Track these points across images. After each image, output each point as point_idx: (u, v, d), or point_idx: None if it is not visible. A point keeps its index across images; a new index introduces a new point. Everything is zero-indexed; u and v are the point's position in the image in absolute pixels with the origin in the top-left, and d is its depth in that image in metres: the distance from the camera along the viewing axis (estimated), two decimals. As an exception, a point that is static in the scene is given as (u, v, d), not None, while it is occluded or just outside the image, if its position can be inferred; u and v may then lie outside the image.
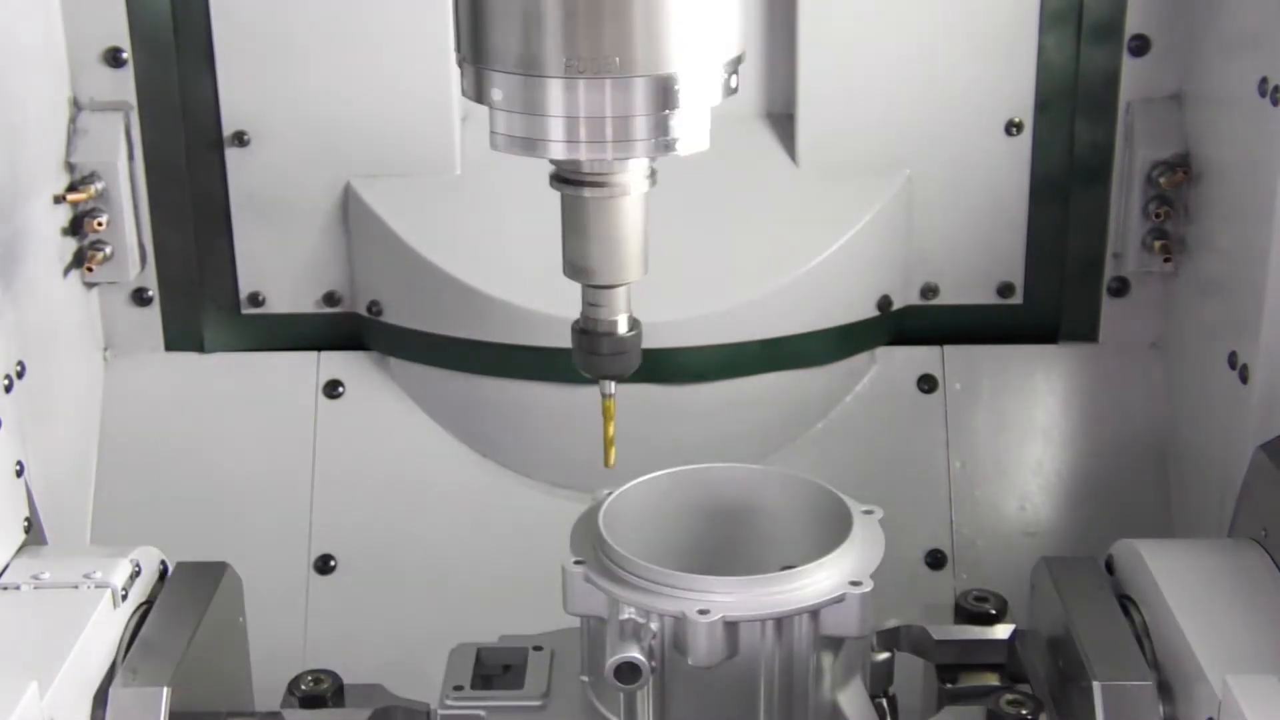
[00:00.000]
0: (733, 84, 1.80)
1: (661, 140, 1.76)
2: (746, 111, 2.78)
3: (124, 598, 2.04)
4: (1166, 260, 2.66)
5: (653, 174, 1.86)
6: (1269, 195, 2.23)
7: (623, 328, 1.94)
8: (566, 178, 1.85)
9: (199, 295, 2.80)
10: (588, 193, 1.84)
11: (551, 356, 2.64)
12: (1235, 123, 2.41)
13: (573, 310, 2.61)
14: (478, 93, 1.78)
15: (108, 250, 2.67)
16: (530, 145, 1.77)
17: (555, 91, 1.72)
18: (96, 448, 2.76)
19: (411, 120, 2.70)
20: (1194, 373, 2.61)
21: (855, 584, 1.92)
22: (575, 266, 1.91)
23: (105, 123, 2.66)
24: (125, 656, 2.00)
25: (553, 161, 1.83)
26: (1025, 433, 2.79)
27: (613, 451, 2.03)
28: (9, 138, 2.39)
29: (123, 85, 2.66)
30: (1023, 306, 2.80)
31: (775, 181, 2.73)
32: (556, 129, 1.75)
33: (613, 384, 1.99)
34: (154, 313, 2.80)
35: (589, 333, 1.94)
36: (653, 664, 1.89)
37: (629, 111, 1.73)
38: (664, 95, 1.73)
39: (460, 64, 1.80)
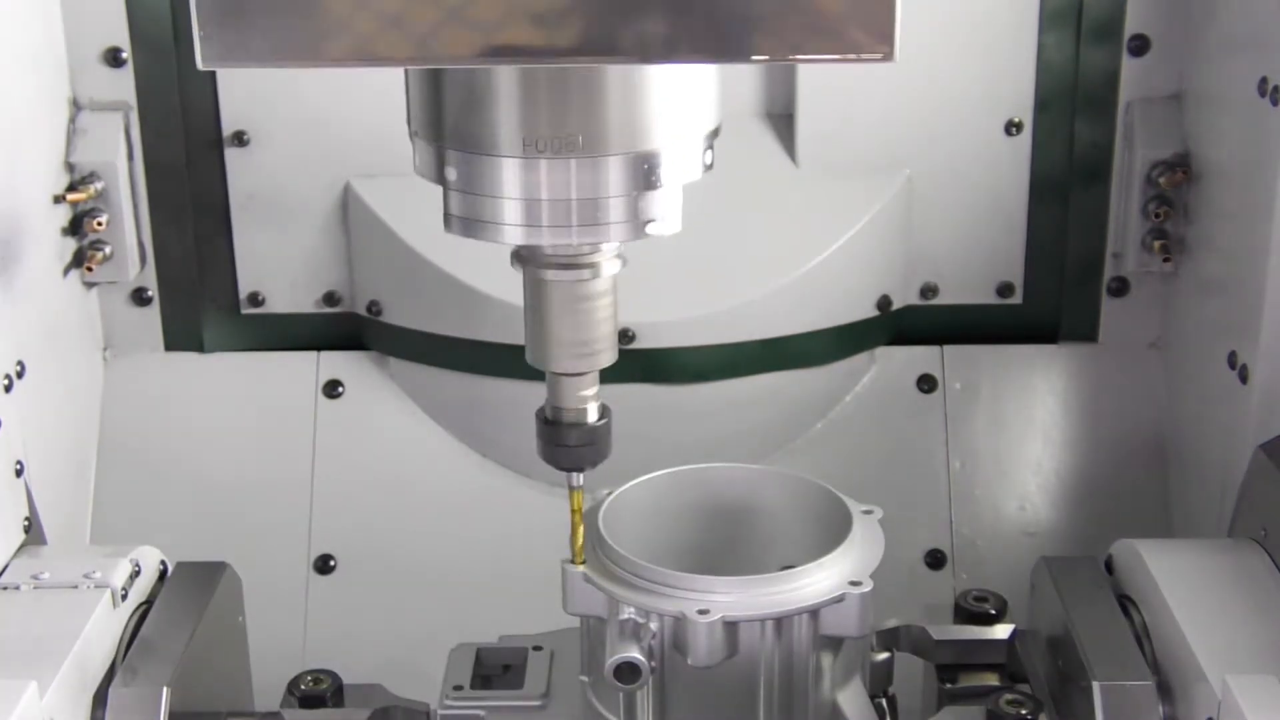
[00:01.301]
0: (708, 160, 1.67)
1: (635, 223, 1.64)
2: (746, 111, 2.77)
3: (124, 598, 2.04)
4: (1166, 260, 2.66)
5: (621, 257, 1.74)
6: (1269, 195, 2.23)
7: (592, 416, 1.83)
8: (528, 258, 1.73)
9: (199, 295, 2.80)
10: (551, 275, 1.72)
11: (551, 356, 2.64)
12: (1235, 123, 2.41)
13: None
14: (429, 170, 1.66)
15: (107, 250, 2.67)
16: (485, 229, 1.63)
17: (514, 172, 1.59)
18: (96, 448, 2.76)
19: (411, 120, 2.69)
20: (1194, 373, 2.61)
21: (855, 584, 1.92)
22: (539, 353, 1.79)
23: (105, 123, 2.66)
24: (125, 656, 2.00)
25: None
26: (1025, 432, 2.79)
27: (580, 539, 1.92)
28: (9, 138, 2.39)
29: (123, 85, 2.66)
30: (1022, 306, 2.80)
31: (775, 181, 2.73)
32: (517, 212, 1.61)
33: (579, 475, 1.88)
34: (154, 313, 2.80)
35: (555, 423, 1.82)
36: (652, 664, 1.89)
37: (600, 193, 1.61)
38: (640, 175, 1.61)
39: (411, 138, 1.69)
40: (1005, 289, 2.79)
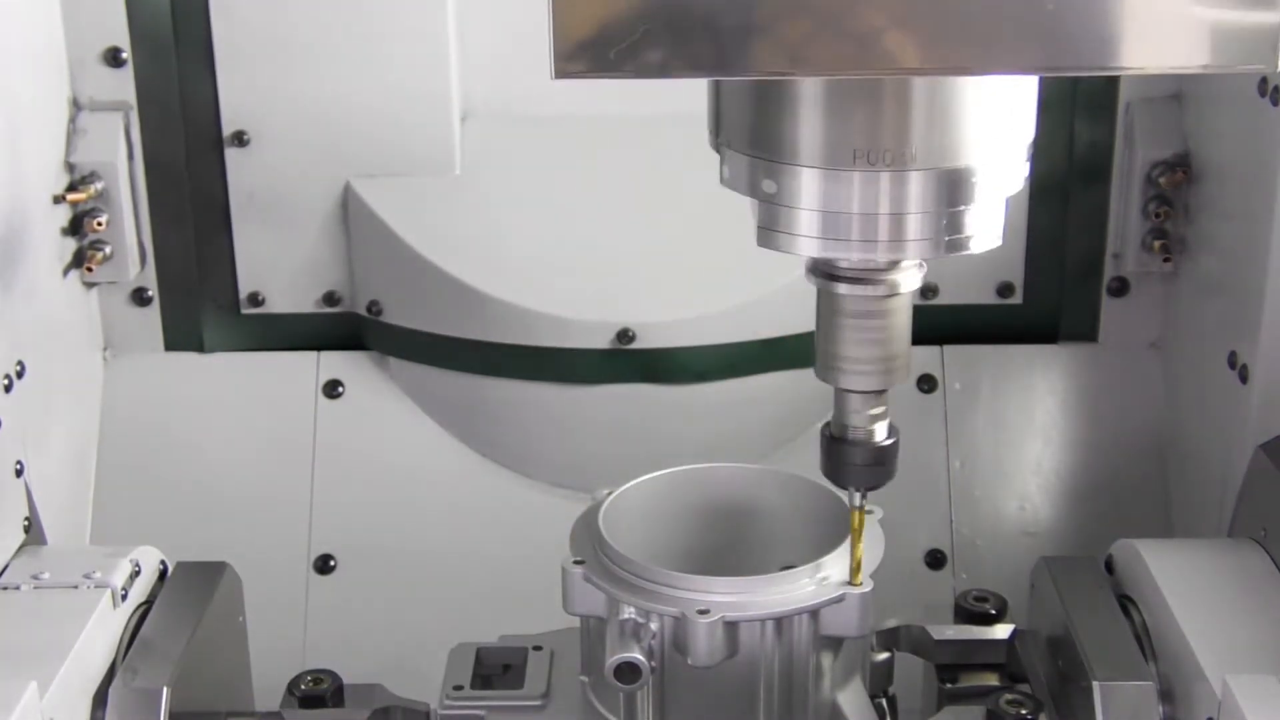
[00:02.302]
0: (1027, 170, 1.60)
1: (952, 239, 1.57)
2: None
3: (124, 598, 2.04)
4: (1166, 260, 2.66)
5: (923, 266, 1.69)
6: (1269, 195, 2.23)
7: (880, 436, 1.77)
8: (830, 273, 1.68)
9: (199, 295, 2.80)
10: (853, 290, 1.67)
11: (551, 356, 2.64)
12: (1235, 123, 2.41)
13: (571, 310, 2.63)
14: (739, 182, 1.62)
15: (107, 250, 2.67)
16: (793, 243, 1.60)
17: (826, 185, 1.55)
18: (96, 448, 2.76)
19: (411, 120, 2.70)
20: (1194, 372, 2.61)
21: (855, 584, 1.92)
22: (830, 368, 1.74)
23: (105, 123, 2.66)
24: (125, 656, 1.99)
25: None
26: (1025, 432, 2.79)
27: (859, 555, 1.88)
28: (9, 138, 2.39)
29: (123, 85, 2.66)
30: (1022, 306, 2.80)
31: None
32: (818, 225, 1.58)
33: (860, 496, 1.83)
34: (154, 313, 2.80)
35: (842, 440, 1.77)
36: (652, 664, 1.89)
37: (916, 208, 1.55)
38: (957, 189, 1.55)
39: (718, 149, 1.64)
40: (1005, 289, 2.79)
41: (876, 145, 1.52)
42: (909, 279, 1.68)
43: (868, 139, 1.52)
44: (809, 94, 1.53)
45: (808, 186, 1.56)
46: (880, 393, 1.75)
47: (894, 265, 1.66)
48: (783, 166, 1.56)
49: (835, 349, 1.73)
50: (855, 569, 1.90)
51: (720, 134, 1.63)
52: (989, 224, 1.60)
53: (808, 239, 1.59)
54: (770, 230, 1.62)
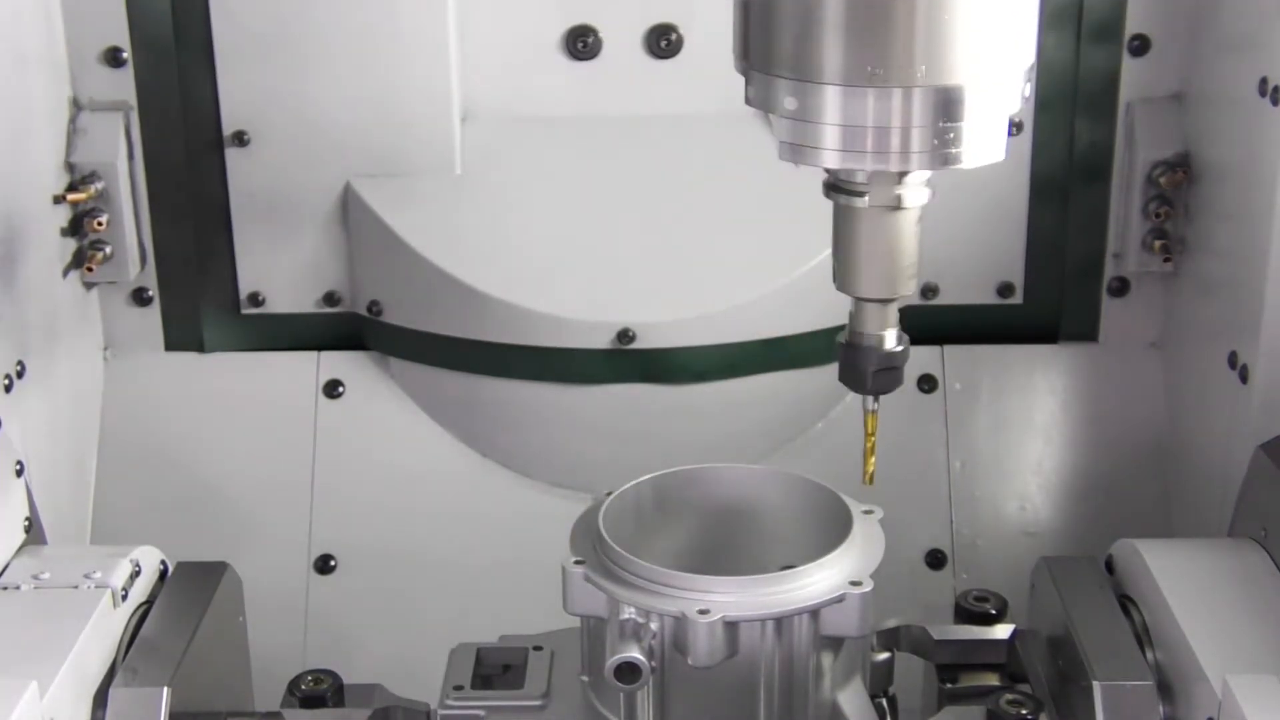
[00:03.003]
0: (1027, 92, 1.73)
1: (943, 153, 1.70)
2: (746, 111, 2.76)
3: (124, 598, 2.04)
4: (1166, 260, 2.66)
5: (931, 187, 1.82)
6: (1269, 195, 2.23)
7: (890, 343, 1.89)
8: (841, 187, 1.81)
9: (199, 295, 2.80)
10: (860, 203, 1.80)
11: (551, 356, 2.64)
12: (1235, 123, 2.42)
13: (571, 310, 2.63)
14: (763, 101, 1.75)
15: (108, 250, 2.67)
16: (813, 155, 1.73)
17: (842, 100, 1.68)
18: (96, 448, 2.76)
19: (411, 120, 2.70)
20: (1194, 373, 2.61)
21: (855, 584, 1.92)
22: (844, 279, 1.87)
23: (105, 123, 2.66)
24: (125, 656, 2.00)
25: (827, 170, 1.80)
26: (1025, 432, 2.79)
27: (872, 463, 1.99)
28: (9, 138, 2.39)
29: (123, 85, 2.66)
30: (1023, 306, 2.80)
31: (775, 181, 2.72)
32: (838, 138, 1.71)
33: (875, 401, 1.95)
34: (154, 313, 2.80)
35: (855, 346, 1.89)
36: (653, 664, 1.89)
37: (915, 123, 1.68)
38: (950, 106, 1.67)
39: (744, 72, 1.77)
40: (1005, 289, 2.79)
41: (887, 63, 1.65)
42: (915, 194, 1.80)
43: (879, 58, 1.65)
44: (828, 16, 1.66)
45: (828, 102, 1.69)
46: (890, 301, 1.87)
47: (902, 178, 1.78)
48: (804, 84, 1.69)
49: (848, 258, 1.85)
50: (869, 475, 1.99)
51: (748, 57, 1.75)
52: (989, 139, 1.73)
53: (828, 151, 1.72)
54: (792, 145, 1.74)
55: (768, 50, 1.72)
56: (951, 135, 1.69)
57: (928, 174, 1.79)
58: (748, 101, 1.78)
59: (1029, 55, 1.73)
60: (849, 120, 1.69)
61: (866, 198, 1.80)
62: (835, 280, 1.88)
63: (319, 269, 2.79)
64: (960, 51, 1.66)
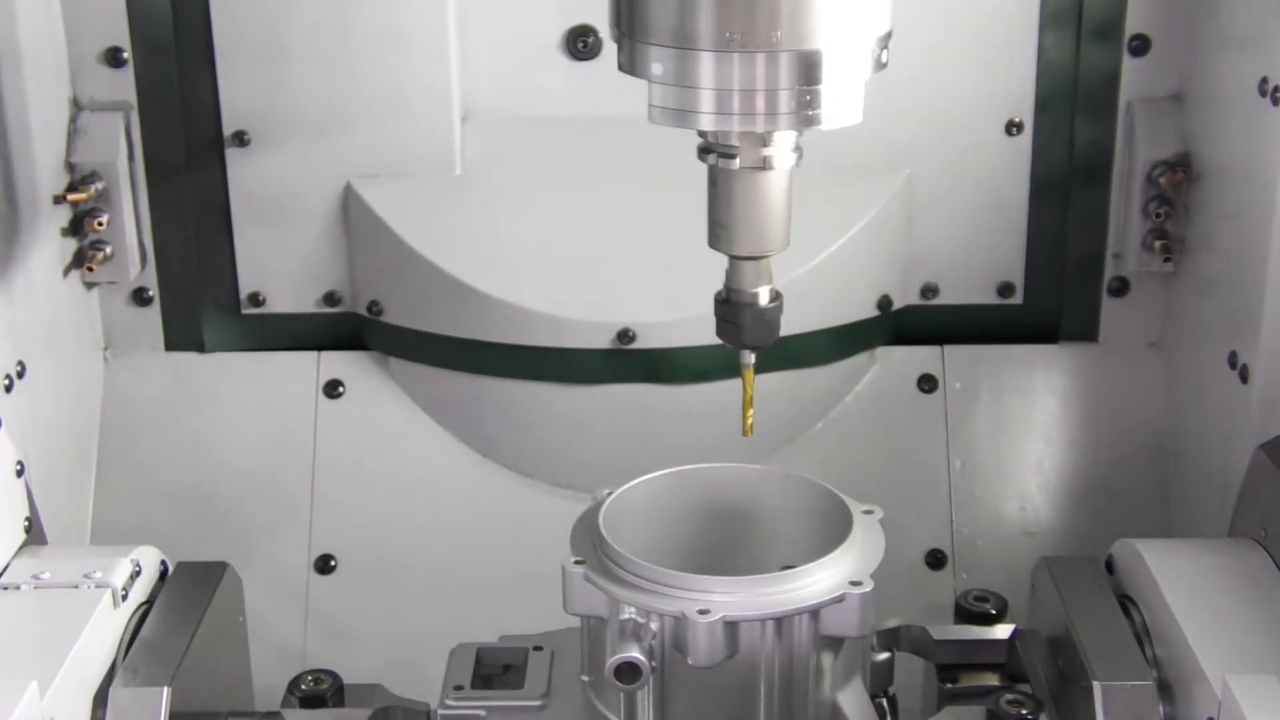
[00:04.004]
0: (883, 59, 1.83)
1: (806, 114, 1.80)
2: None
3: (124, 598, 2.04)
4: (1166, 260, 2.66)
5: (799, 150, 1.90)
6: (1269, 195, 2.23)
7: (764, 299, 1.99)
8: (713, 148, 1.90)
9: (199, 295, 2.80)
10: (732, 164, 1.89)
11: (551, 356, 2.64)
12: (1235, 123, 2.42)
13: (571, 310, 2.63)
14: (633, 67, 1.84)
15: (108, 250, 2.67)
16: (683, 117, 1.83)
17: (708, 65, 1.77)
18: (96, 448, 2.76)
19: (411, 120, 2.70)
20: (1194, 373, 2.62)
21: (855, 584, 1.92)
22: (718, 237, 1.96)
23: (105, 123, 2.66)
24: (125, 656, 2.00)
25: (700, 133, 1.89)
26: (1025, 432, 2.79)
27: (750, 415, 2.10)
28: (9, 138, 2.39)
29: (123, 85, 2.66)
30: (1023, 306, 2.80)
31: (775, 181, 2.73)
32: (708, 101, 1.80)
33: (751, 355, 2.05)
34: (154, 313, 2.80)
35: (730, 303, 2.00)
36: (653, 664, 1.89)
37: (779, 85, 1.78)
38: (811, 69, 1.77)
39: (618, 40, 1.86)
40: (1005, 289, 2.79)
41: (747, 29, 1.75)
42: (783, 155, 1.89)
43: (740, 24, 1.75)
44: None
45: (699, 68, 1.79)
46: (763, 258, 1.97)
47: (769, 139, 1.87)
48: (675, 51, 1.80)
49: (722, 219, 1.95)
50: (748, 429, 2.12)
51: (620, 25, 1.85)
52: (847, 102, 1.84)
53: (701, 114, 1.82)
54: (663, 109, 1.85)
55: (638, 19, 1.81)
56: (809, 98, 1.79)
57: (794, 136, 1.88)
58: (620, 68, 1.86)
59: (884, 23, 1.83)
60: (718, 84, 1.79)
61: (737, 159, 1.88)
62: (710, 240, 1.97)
63: (319, 269, 2.79)
64: (817, 17, 1.76)
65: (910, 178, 2.72)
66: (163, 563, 2.17)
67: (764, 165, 1.89)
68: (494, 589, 2.69)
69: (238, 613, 2.22)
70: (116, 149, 2.65)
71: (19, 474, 2.17)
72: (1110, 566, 2.14)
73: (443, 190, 2.72)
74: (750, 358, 2.06)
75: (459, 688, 2.08)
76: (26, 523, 2.17)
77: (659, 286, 2.65)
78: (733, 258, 1.98)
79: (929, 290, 2.78)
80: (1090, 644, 1.94)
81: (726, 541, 2.16)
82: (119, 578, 2.04)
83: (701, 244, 2.66)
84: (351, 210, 2.74)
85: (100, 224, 2.64)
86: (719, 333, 2.04)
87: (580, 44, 2.72)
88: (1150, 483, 2.74)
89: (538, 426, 2.74)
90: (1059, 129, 2.70)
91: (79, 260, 2.65)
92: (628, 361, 2.64)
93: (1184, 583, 1.99)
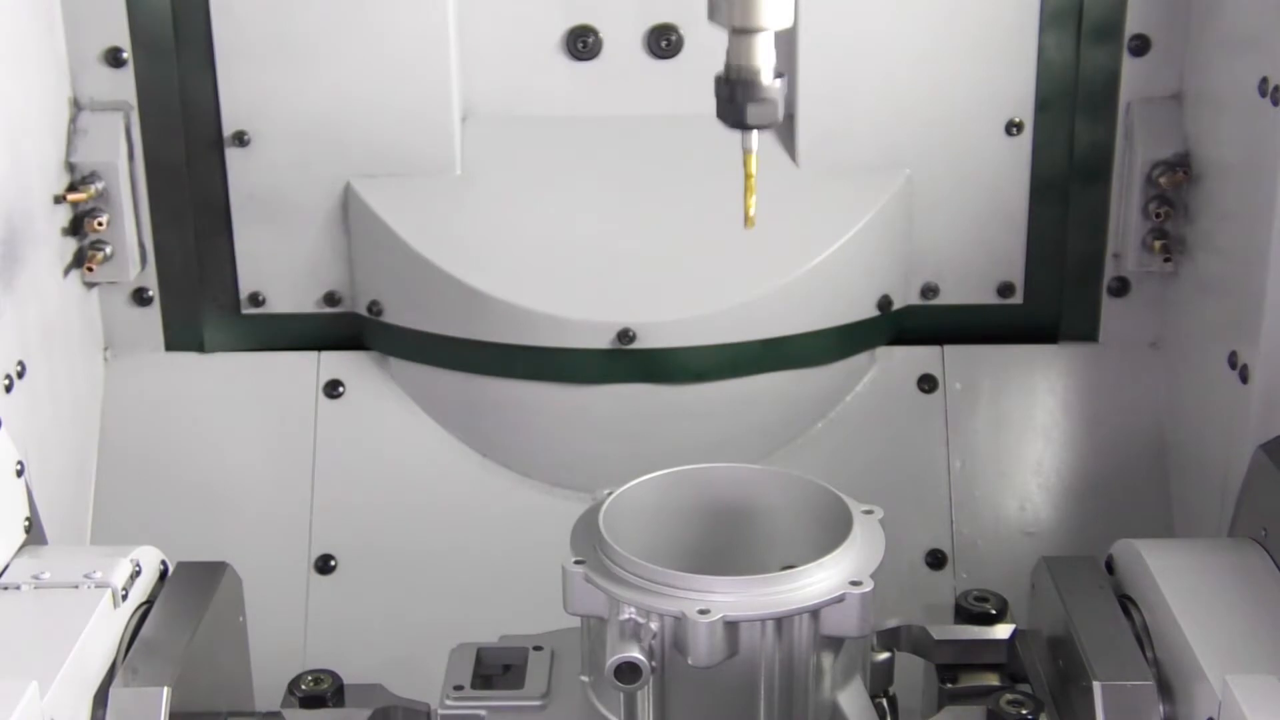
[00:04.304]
0: None
1: None
2: (746, 111, 2.78)
3: (124, 598, 2.04)
4: (1166, 260, 2.66)
5: None
6: (1269, 195, 2.23)
7: (765, 78, 1.87)
8: None
9: (199, 295, 2.80)
10: None
11: (551, 356, 2.64)
12: (1235, 123, 2.42)
13: (572, 310, 2.63)
14: None
15: (108, 250, 2.67)
16: None
17: None
18: (96, 448, 2.76)
19: (411, 120, 2.70)
20: (1194, 372, 2.62)
21: (855, 584, 1.92)
22: (716, 7, 1.86)
23: (105, 123, 2.66)
24: (125, 656, 1.99)
25: None
26: (1025, 432, 2.79)
27: (751, 203, 1.97)
28: (9, 138, 2.39)
29: (123, 85, 2.67)
30: (1023, 306, 2.80)
31: (775, 181, 2.72)
32: None
33: (755, 138, 1.93)
34: (154, 313, 2.80)
35: (730, 81, 1.88)
36: (653, 664, 1.89)
37: None
38: None
39: None
40: (1005, 289, 2.79)
41: None
42: None
43: None
44: None
45: None
46: (763, 31, 1.85)
47: None
48: None
49: None
50: (749, 217, 1.98)
51: None
52: None
53: None
54: None
55: None
56: None
57: None
58: None
59: None
60: None
61: None
62: (709, 13, 1.87)
63: (319, 269, 2.79)
64: None
65: (910, 178, 2.72)
66: (163, 563, 2.17)
67: None
68: (494, 589, 2.69)
69: (238, 613, 2.22)
70: (116, 149, 2.65)
71: (19, 474, 2.17)
72: (1110, 566, 2.14)
73: (443, 190, 2.72)
74: (752, 142, 1.93)
75: (459, 688, 2.08)
76: (26, 523, 2.17)
77: (659, 286, 2.65)
78: (732, 31, 1.86)
79: (929, 290, 2.78)
80: (1090, 644, 1.94)
81: (726, 541, 2.16)
82: (119, 578, 2.04)
83: (701, 244, 2.67)
84: (351, 210, 2.74)
85: (100, 224, 2.64)
86: (719, 113, 1.91)
87: (580, 44, 2.72)
88: (1150, 483, 2.74)
89: (537, 426, 2.74)
90: (1059, 129, 2.70)
91: (79, 260, 2.65)
92: (628, 361, 2.64)
93: (1184, 583, 1.99)
